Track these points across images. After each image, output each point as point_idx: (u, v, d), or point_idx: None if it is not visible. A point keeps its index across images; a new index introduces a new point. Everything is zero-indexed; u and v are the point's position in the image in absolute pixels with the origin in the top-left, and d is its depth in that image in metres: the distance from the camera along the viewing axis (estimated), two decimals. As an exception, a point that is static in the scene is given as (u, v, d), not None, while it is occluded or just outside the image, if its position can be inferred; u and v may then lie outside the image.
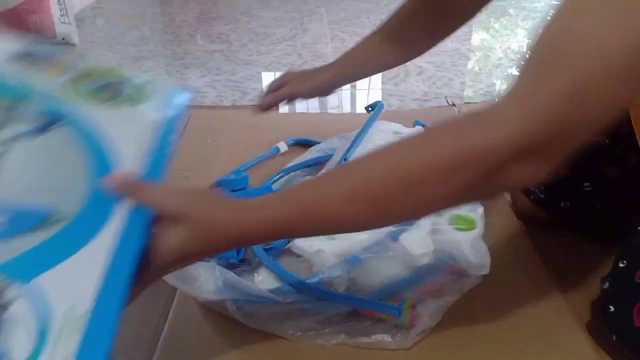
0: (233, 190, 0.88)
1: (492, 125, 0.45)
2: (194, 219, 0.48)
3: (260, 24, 2.13)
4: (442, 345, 0.66)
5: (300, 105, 1.44)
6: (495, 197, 0.48)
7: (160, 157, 0.54)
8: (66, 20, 1.84)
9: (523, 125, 0.44)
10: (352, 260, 0.68)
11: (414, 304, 0.66)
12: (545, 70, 0.44)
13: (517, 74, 0.46)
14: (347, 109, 1.44)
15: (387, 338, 0.65)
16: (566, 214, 0.81)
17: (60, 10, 1.81)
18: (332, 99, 1.46)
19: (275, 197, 0.53)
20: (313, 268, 0.70)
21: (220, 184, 0.92)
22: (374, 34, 0.92)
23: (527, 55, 0.46)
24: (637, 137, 0.68)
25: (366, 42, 0.93)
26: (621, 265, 0.65)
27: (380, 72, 0.99)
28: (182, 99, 0.61)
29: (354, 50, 0.94)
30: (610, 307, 0.63)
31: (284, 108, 1.38)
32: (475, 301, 0.71)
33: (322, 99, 1.48)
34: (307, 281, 0.67)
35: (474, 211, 0.77)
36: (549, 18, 0.45)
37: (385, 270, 0.70)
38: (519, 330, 0.68)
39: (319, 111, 1.40)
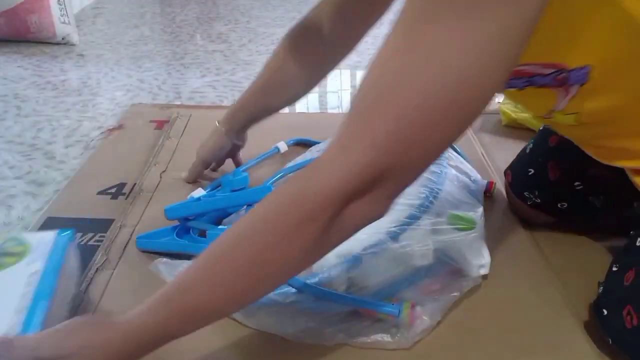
0: (233, 191, 0.88)
1: (320, 174, 0.45)
2: None
3: (260, 24, 2.13)
4: (441, 345, 0.66)
5: (301, 105, 1.44)
6: (334, 246, 0.48)
7: (39, 307, 0.57)
8: (66, 20, 1.84)
9: (349, 169, 0.44)
10: (352, 261, 0.68)
11: (413, 304, 0.66)
12: (368, 114, 0.44)
13: (344, 120, 0.46)
14: (347, 108, 1.44)
15: (386, 338, 0.65)
16: (565, 213, 0.81)
17: (60, 10, 1.81)
18: (332, 99, 1.46)
19: (145, 309, 0.50)
20: (313, 268, 0.70)
21: (220, 184, 0.92)
22: (258, 78, 0.91)
23: (351, 102, 0.46)
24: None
25: (252, 89, 0.92)
26: (614, 269, 0.66)
27: (269, 115, 0.95)
28: (64, 240, 0.67)
29: (241, 101, 0.93)
30: (604, 310, 0.64)
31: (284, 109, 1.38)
32: (474, 301, 0.71)
33: (322, 98, 1.48)
34: (307, 281, 0.67)
35: (474, 211, 0.77)
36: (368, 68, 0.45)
37: (385, 271, 0.70)
38: (518, 330, 0.68)
39: (319, 111, 1.40)
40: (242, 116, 0.93)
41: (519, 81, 0.60)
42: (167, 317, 0.49)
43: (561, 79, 0.56)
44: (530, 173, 0.84)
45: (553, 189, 0.81)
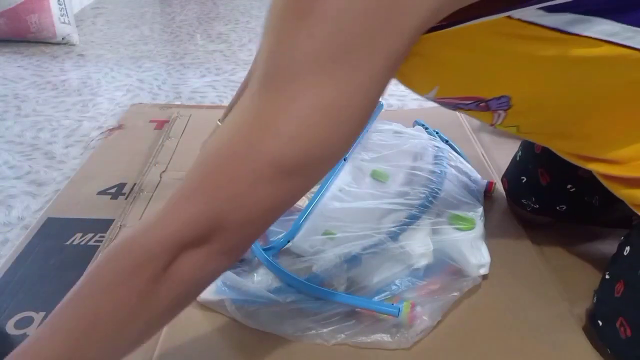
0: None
1: (151, 223, 0.45)
2: None
3: (260, 24, 2.13)
4: (441, 345, 0.66)
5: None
6: (173, 300, 0.46)
7: None
8: (66, 20, 1.84)
9: (179, 218, 0.44)
10: (352, 260, 0.68)
11: (413, 304, 0.66)
12: (204, 170, 0.45)
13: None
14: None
15: (386, 338, 0.65)
16: (565, 215, 0.82)
17: (60, 10, 1.81)
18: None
19: None
20: (313, 268, 0.70)
21: None
22: (247, 78, 0.89)
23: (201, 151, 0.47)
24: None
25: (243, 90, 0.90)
26: (607, 277, 0.66)
27: None
28: None
29: (236, 100, 0.91)
30: (599, 322, 0.64)
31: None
32: (474, 301, 0.71)
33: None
34: (307, 281, 0.67)
35: (474, 211, 0.77)
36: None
37: (385, 270, 0.70)
38: (518, 330, 0.68)
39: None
40: None
41: (448, 106, 0.61)
42: None
43: (483, 106, 0.58)
44: (523, 181, 0.85)
45: (548, 193, 0.81)
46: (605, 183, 0.64)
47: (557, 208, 0.81)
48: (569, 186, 0.78)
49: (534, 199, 0.83)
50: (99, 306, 0.43)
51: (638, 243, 0.63)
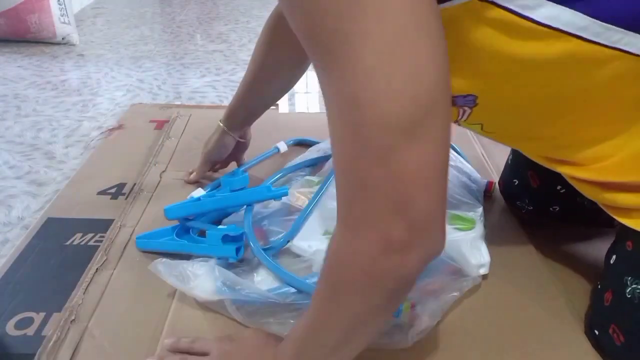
0: (232, 191, 0.89)
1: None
2: None
3: (260, 24, 2.13)
4: (441, 345, 0.66)
5: (300, 105, 1.45)
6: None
7: None
8: (66, 20, 1.84)
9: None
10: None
11: (413, 304, 0.66)
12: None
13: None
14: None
15: (386, 338, 0.65)
16: (559, 216, 0.82)
17: (60, 10, 1.81)
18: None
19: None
20: (313, 268, 0.70)
21: (220, 184, 0.92)
22: (247, 72, 0.90)
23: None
24: None
25: (244, 85, 0.91)
26: (598, 287, 0.66)
27: (267, 107, 0.96)
28: None
29: (236, 98, 0.92)
30: (595, 331, 0.64)
31: (284, 108, 1.38)
32: (474, 301, 0.71)
33: (321, 97, 1.48)
34: (307, 281, 0.67)
35: (474, 211, 0.77)
36: None
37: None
38: (518, 330, 0.68)
39: (319, 111, 1.40)
40: (240, 112, 0.92)
41: None
42: None
43: None
44: (515, 183, 0.86)
45: (539, 195, 0.81)
46: (576, 185, 0.64)
47: (551, 209, 0.81)
48: (558, 187, 0.78)
49: (527, 201, 0.84)
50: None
51: (622, 251, 0.63)
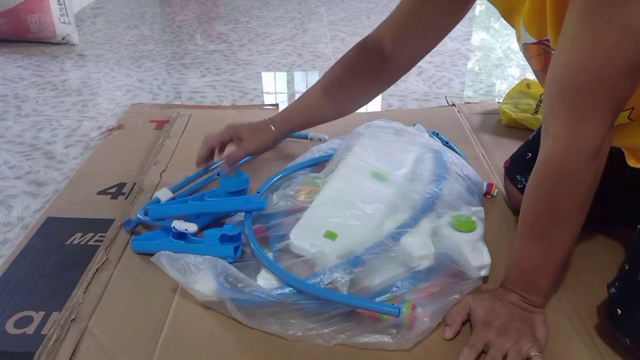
0: (229, 192, 0.88)
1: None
2: None
3: (260, 24, 2.13)
4: (442, 346, 0.66)
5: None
6: None
7: None
8: (66, 20, 1.84)
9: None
10: (354, 261, 0.68)
11: (414, 305, 0.66)
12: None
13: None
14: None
15: (387, 339, 0.65)
16: None
17: (60, 10, 1.81)
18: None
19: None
20: (315, 268, 0.70)
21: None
22: (314, 87, 0.95)
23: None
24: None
25: (306, 97, 0.95)
26: (626, 267, 0.65)
27: (319, 124, 1.01)
28: None
29: (295, 107, 0.96)
30: (618, 310, 0.63)
31: (283, 108, 1.38)
32: (475, 302, 0.71)
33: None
34: (308, 281, 0.67)
35: (474, 213, 0.77)
36: None
37: (386, 272, 0.70)
38: (519, 330, 0.68)
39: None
40: (294, 120, 0.96)
41: None
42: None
43: None
44: (528, 157, 0.87)
45: None
46: None
47: None
48: None
49: (528, 176, 0.83)
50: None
51: None
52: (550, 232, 0.64)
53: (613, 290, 0.65)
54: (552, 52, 0.61)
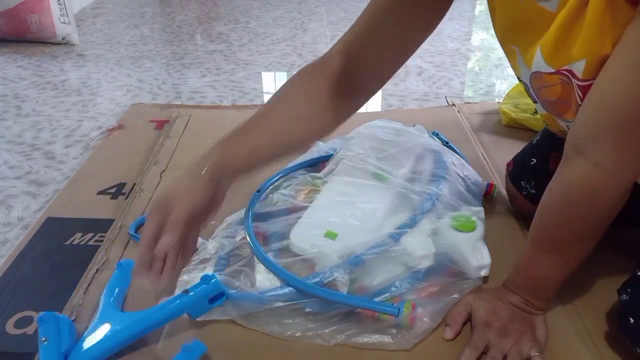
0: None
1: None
2: None
3: (260, 24, 2.13)
4: (442, 346, 0.66)
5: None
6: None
7: None
8: (66, 20, 1.84)
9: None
10: (354, 261, 0.68)
11: (414, 305, 0.66)
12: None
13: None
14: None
15: (387, 339, 0.65)
16: None
17: (60, 10, 1.81)
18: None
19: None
20: (316, 268, 0.70)
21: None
22: (251, 126, 0.71)
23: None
24: None
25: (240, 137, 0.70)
26: (638, 274, 0.64)
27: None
28: None
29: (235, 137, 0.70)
30: (630, 319, 0.62)
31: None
32: (475, 302, 0.71)
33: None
34: (307, 281, 0.67)
35: (474, 213, 0.77)
36: None
37: (386, 271, 0.70)
38: (519, 330, 0.68)
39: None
40: (241, 151, 0.70)
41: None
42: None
43: None
44: (532, 163, 0.86)
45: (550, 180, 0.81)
46: None
47: None
48: None
49: (533, 183, 0.83)
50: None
51: None
52: (568, 249, 0.64)
53: (625, 297, 0.64)
54: (577, 82, 0.59)
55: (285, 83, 0.76)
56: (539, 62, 0.62)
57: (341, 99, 0.75)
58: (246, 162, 0.70)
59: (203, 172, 0.65)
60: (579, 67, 0.58)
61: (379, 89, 0.80)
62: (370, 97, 0.80)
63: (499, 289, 0.69)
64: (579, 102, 0.59)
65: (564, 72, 0.60)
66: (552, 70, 0.61)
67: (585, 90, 0.58)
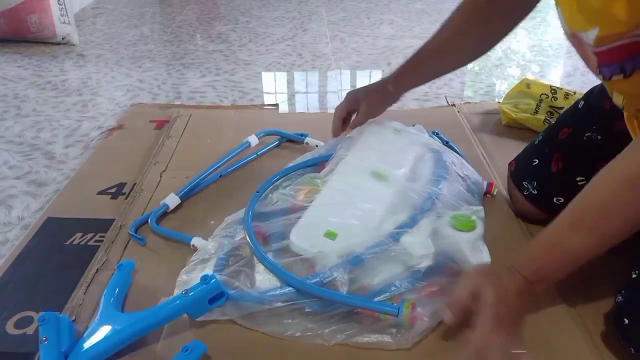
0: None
1: None
2: None
3: (260, 24, 2.13)
4: (441, 346, 0.66)
5: (300, 105, 1.44)
6: None
7: None
8: (66, 20, 1.83)
9: None
10: (354, 261, 0.68)
11: (413, 304, 0.66)
12: None
13: None
14: None
15: (387, 338, 0.65)
16: (559, 209, 0.81)
17: (60, 10, 1.81)
18: (332, 99, 1.46)
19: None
20: (315, 268, 0.70)
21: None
22: (428, 43, 0.91)
23: None
24: (632, 135, 0.69)
25: (420, 53, 0.92)
26: (633, 276, 0.65)
27: (439, 76, 1.03)
28: None
29: (409, 64, 0.93)
30: (625, 319, 0.62)
31: (283, 108, 1.38)
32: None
33: (322, 98, 1.48)
34: (307, 281, 0.67)
35: (474, 213, 0.77)
36: None
37: (386, 271, 0.70)
38: (519, 330, 0.67)
39: (319, 111, 1.40)
40: (412, 76, 0.94)
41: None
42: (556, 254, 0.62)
43: None
44: (534, 163, 0.85)
45: (553, 181, 0.81)
46: None
47: (555, 200, 0.81)
48: (579, 179, 0.78)
49: (535, 184, 0.83)
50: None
51: None
52: (608, 232, 0.60)
53: (620, 298, 0.64)
54: None
55: (455, 14, 0.88)
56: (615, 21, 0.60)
57: (497, 27, 0.89)
58: (412, 85, 0.98)
59: (386, 88, 0.94)
60: None
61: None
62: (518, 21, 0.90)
63: (504, 271, 0.63)
64: None
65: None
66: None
67: None
